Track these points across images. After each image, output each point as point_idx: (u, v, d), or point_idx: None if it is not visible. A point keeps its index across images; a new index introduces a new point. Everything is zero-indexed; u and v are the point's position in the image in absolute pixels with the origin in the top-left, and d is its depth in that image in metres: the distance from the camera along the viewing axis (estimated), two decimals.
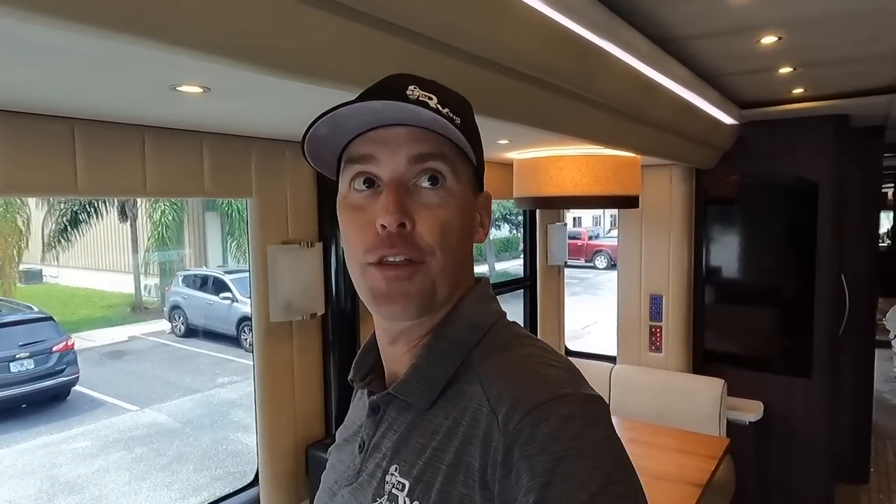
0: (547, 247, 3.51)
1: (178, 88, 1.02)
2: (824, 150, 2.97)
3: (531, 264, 3.59)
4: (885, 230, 9.86)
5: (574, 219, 22.17)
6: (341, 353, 2.04)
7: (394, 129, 0.63)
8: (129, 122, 1.38)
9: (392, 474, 0.65)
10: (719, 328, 3.41)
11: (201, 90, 1.04)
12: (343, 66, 0.96)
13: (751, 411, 3.11)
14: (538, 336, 1.14)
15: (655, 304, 3.30)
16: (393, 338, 0.69)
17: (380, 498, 0.64)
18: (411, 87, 0.64)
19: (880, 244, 9.56)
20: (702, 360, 3.37)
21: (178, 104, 1.16)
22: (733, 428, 3.04)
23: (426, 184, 0.63)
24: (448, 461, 0.61)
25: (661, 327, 3.30)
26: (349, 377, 0.76)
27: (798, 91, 2.66)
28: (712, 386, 3.00)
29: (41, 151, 1.25)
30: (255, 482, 1.93)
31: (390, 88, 0.64)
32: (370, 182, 0.64)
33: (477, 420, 0.60)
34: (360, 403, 0.77)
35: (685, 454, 2.47)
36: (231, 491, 1.93)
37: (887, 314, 6.38)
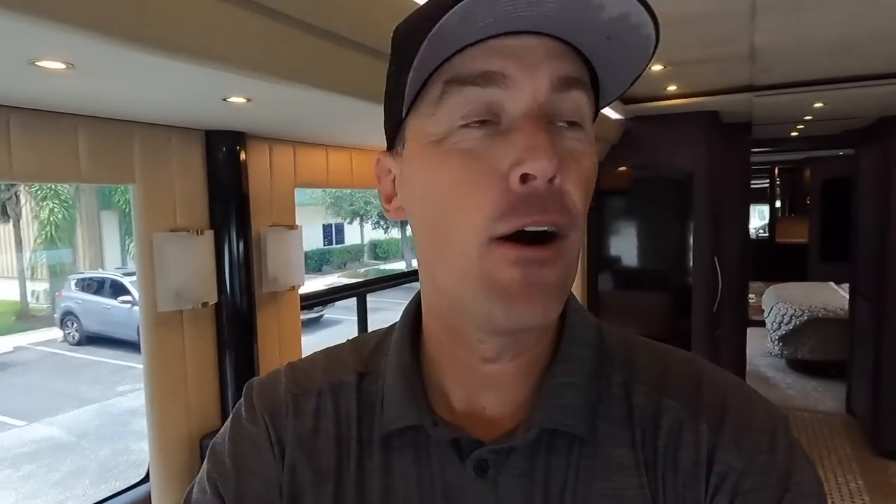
0: None
1: (37, 63, 0.99)
2: (698, 143, 3.26)
3: None
4: (763, 223, 10.85)
5: None
6: (238, 344, 2.02)
7: (525, 38, 0.42)
8: None
9: None
10: (614, 311, 3.65)
11: (65, 66, 1.01)
12: (210, 44, 0.98)
13: None
14: None
15: None
16: (498, 352, 0.47)
17: None
18: None
19: (760, 234, 10.50)
20: None
21: (42, 81, 1.12)
22: None
23: (565, 123, 0.44)
24: (662, 496, 0.45)
25: None
26: (413, 423, 0.47)
27: (672, 88, 2.90)
28: None
29: None
30: (146, 479, 1.87)
31: None
32: (482, 119, 0.43)
33: (681, 440, 0.46)
34: (380, 465, 0.49)
35: None
36: (118, 490, 1.87)
37: (763, 296, 7.04)
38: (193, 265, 1.83)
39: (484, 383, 0.48)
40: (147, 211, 1.77)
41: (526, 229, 0.42)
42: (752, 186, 8.94)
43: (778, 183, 10.24)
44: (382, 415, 0.49)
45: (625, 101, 3.10)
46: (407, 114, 0.45)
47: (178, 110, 1.50)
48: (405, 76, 0.41)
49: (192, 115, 1.62)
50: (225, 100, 1.30)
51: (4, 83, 1.17)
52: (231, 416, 0.54)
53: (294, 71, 1.16)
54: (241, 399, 0.54)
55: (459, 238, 0.43)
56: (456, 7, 0.36)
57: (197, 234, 1.86)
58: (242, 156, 2.01)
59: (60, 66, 1.02)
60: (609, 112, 3.02)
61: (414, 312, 0.53)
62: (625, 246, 3.68)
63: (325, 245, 24.34)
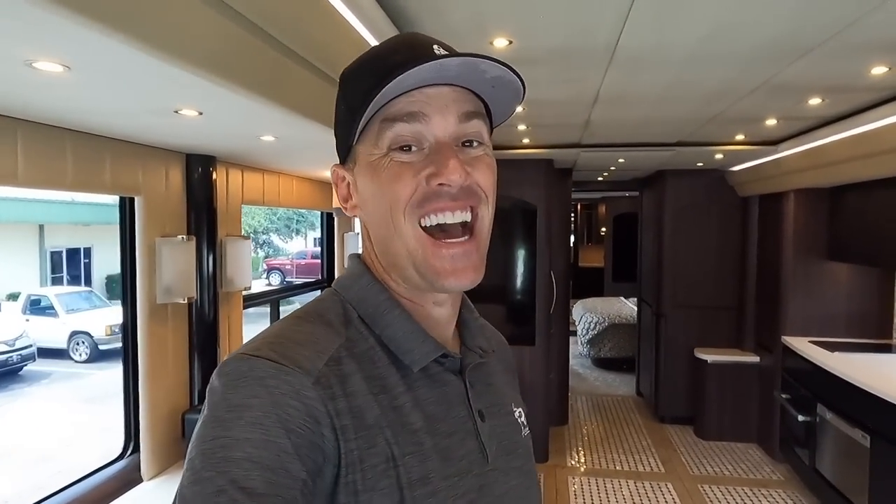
0: (344, 252, 4.13)
1: (35, 65, 1.06)
2: (539, 183, 4.23)
3: (328, 268, 4.15)
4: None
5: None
6: (205, 335, 2.36)
7: (437, 88, 0.60)
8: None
9: (517, 412, 0.75)
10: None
11: (62, 69, 1.09)
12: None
13: None
14: None
15: None
16: (441, 301, 0.66)
17: (523, 431, 0.74)
18: (435, 45, 0.61)
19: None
20: None
21: (60, 96, 1.30)
22: None
23: (470, 141, 0.62)
24: (515, 385, 0.81)
25: None
26: (438, 356, 0.63)
27: (526, 141, 3.81)
28: None
29: None
30: (130, 452, 2.13)
31: (418, 46, 0.60)
32: (407, 145, 0.60)
33: (503, 349, 0.83)
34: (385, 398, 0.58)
35: None
36: (104, 463, 2.10)
37: (573, 309, 8.48)
38: (181, 266, 2.20)
39: (434, 321, 0.66)
40: (149, 219, 2.11)
41: (447, 222, 0.60)
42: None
43: (579, 217, 12.20)
44: (406, 355, 0.61)
45: (493, 147, 3.94)
46: (355, 142, 0.63)
47: (160, 133, 1.84)
48: (357, 119, 0.60)
49: (173, 137, 1.96)
50: (176, 112, 1.50)
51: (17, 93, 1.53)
52: (255, 397, 0.50)
53: (245, 80, 1.29)
54: (256, 375, 0.51)
55: (397, 222, 0.60)
56: (397, 78, 0.55)
57: (184, 239, 2.22)
58: (214, 175, 2.39)
59: (59, 69, 1.09)
60: None
61: (373, 287, 0.65)
62: (501, 270, 4.51)
63: None
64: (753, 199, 4.78)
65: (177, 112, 1.49)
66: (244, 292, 2.74)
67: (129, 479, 2.08)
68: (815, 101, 2.58)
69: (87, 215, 16.61)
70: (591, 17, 1.64)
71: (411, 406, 0.59)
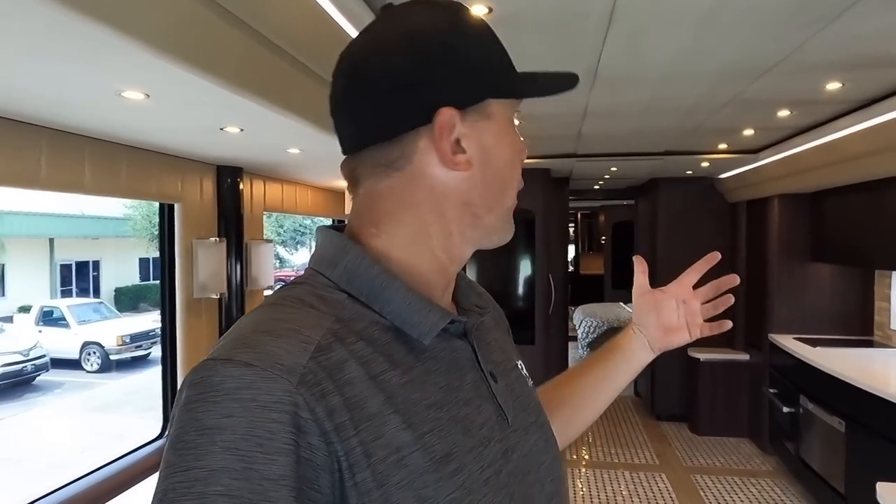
0: None
1: (122, 94, 1.31)
2: (537, 191, 4.49)
3: None
4: (570, 259, 13.01)
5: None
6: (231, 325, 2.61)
7: None
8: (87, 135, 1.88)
9: (519, 363, 0.74)
10: None
11: (143, 97, 1.33)
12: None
13: None
14: None
15: None
16: (458, 267, 0.65)
17: (529, 382, 0.73)
18: None
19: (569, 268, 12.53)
20: None
21: (121, 111, 1.51)
22: None
23: None
24: (509, 339, 0.80)
25: None
26: (452, 319, 0.59)
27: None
28: None
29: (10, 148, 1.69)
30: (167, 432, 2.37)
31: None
32: None
33: (493, 304, 0.82)
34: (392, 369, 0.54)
35: None
36: (144, 442, 2.34)
37: (573, 315, 8.71)
38: (213, 265, 2.45)
39: (443, 290, 0.63)
40: (187, 223, 2.36)
41: None
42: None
43: (579, 226, 12.47)
44: (414, 328, 0.56)
45: None
46: (495, 97, 0.60)
47: (200, 147, 2.12)
48: (526, 87, 0.62)
49: (210, 150, 2.23)
50: (222, 129, 1.76)
51: (93, 114, 1.79)
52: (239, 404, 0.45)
53: (283, 101, 1.54)
54: (227, 387, 0.46)
55: (503, 192, 0.62)
56: (552, 90, 0.63)
57: (216, 241, 2.48)
58: (241, 185, 2.66)
59: (140, 96, 1.35)
60: None
61: (363, 261, 0.57)
62: (483, 269, 4.75)
63: (141, 281, 22.32)
64: (741, 204, 5.03)
65: (222, 129, 1.76)
66: (266, 291, 3.00)
67: None
68: (784, 112, 2.84)
69: (95, 229, 16.97)
70: (571, 46, 1.91)
71: (423, 380, 0.55)
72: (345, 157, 0.63)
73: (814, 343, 4.01)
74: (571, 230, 12.48)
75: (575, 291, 10.86)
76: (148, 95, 1.35)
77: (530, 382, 0.74)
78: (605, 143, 3.72)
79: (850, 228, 3.78)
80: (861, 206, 3.63)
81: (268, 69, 1.46)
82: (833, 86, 2.33)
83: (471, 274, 4.65)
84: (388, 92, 0.57)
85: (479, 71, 0.59)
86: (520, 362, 0.74)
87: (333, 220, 4.45)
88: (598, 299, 9.67)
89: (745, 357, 4.90)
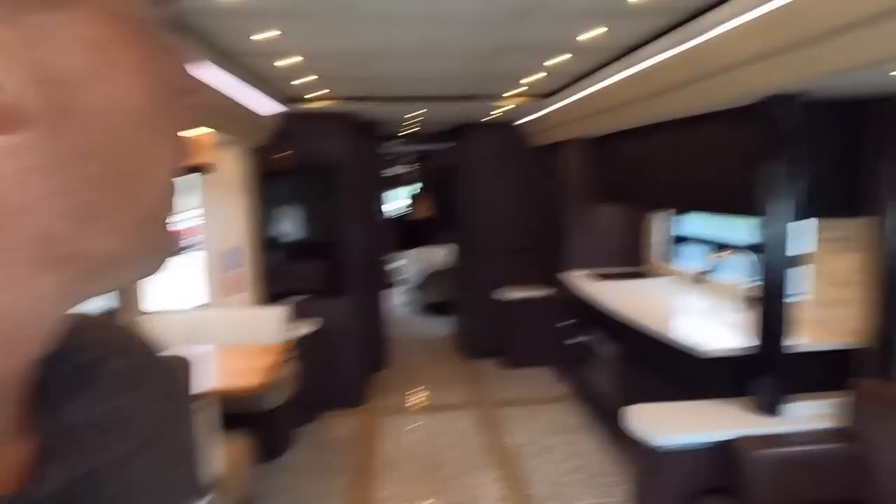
0: None
1: None
2: (341, 136, 4.27)
3: None
4: (408, 203, 13.02)
5: None
6: None
7: None
8: None
9: None
10: (284, 271, 4.44)
11: None
12: None
13: (308, 327, 4.24)
14: None
15: (236, 255, 4.09)
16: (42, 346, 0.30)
17: None
18: None
19: (405, 212, 12.54)
20: (272, 296, 4.36)
21: None
22: (302, 340, 4.12)
23: None
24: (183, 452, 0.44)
25: (241, 274, 4.11)
26: None
27: (324, 92, 3.81)
28: (278, 312, 4.00)
29: None
30: None
31: None
32: None
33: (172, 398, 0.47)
34: None
35: (263, 356, 3.35)
36: None
37: (402, 263, 8.77)
38: None
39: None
40: None
41: None
42: (402, 171, 10.81)
43: (417, 169, 12.45)
44: None
45: (288, 100, 3.88)
46: None
47: None
48: None
49: None
50: None
51: None
52: None
53: None
54: None
55: (147, 188, 0.31)
56: None
57: None
58: None
59: None
60: (275, 107, 3.77)
61: None
62: (291, 219, 4.48)
63: None
64: (541, 149, 5.28)
65: None
66: None
67: None
68: (563, 57, 2.90)
69: None
70: None
71: None
72: None
73: (600, 277, 4.39)
74: (409, 173, 12.47)
75: (410, 236, 10.98)
76: None
77: None
78: (403, 85, 3.59)
79: (626, 172, 4.11)
80: (634, 151, 3.94)
81: None
82: (598, 31, 2.39)
83: (232, 226, 4.37)
84: None
85: None
86: None
87: None
88: (431, 242, 9.85)
89: (547, 293, 5.25)
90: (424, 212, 11.50)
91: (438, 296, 7.46)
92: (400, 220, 11.47)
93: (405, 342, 6.33)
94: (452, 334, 6.52)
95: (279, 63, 2.85)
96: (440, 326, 6.95)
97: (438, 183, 9.43)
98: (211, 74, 2.75)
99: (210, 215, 4.06)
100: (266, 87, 3.35)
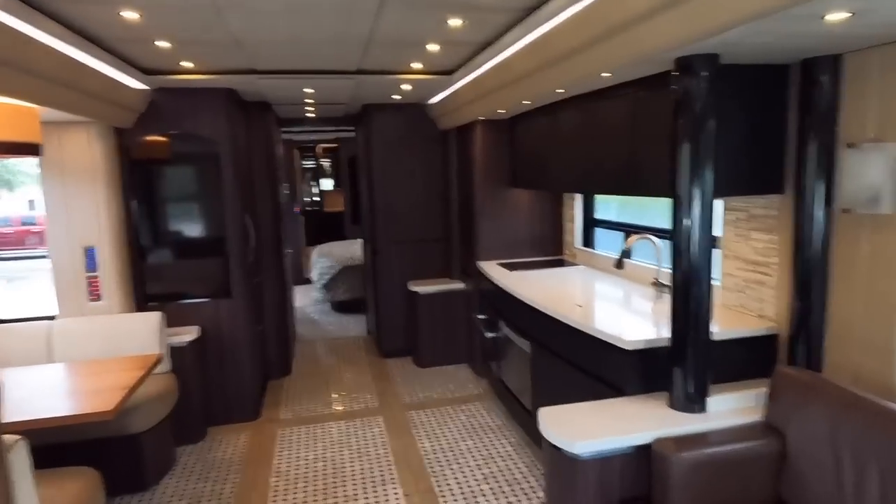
0: None
1: None
2: (220, 117, 3.74)
3: None
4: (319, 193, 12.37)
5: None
6: None
7: None
8: None
9: None
10: (159, 273, 3.86)
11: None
12: None
13: (189, 334, 3.70)
14: None
15: (90, 255, 3.48)
16: None
17: None
18: None
19: (315, 206, 11.91)
20: (144, 302, 3.77)
21: None
22: (176, 351, 3.58)
23: None
24: None
25: (97, 277, 3.50)
26: None
27: (188, 64, 3.27)
28: (151, 319, 3.45)
29: None
30: None
31: None
32: None
33: None
34: None
35: (124, 371, 2.82)
36: None
37: (311, 259, 8.22)
38: None
39: None
40: None
41: None
42: (317, 161, 10.22)
43: (327, 161, 11.84)
44: None
45: (147, 71, 3.31)
46: None
47: None
48: None
49: None
50: None
51: None
52: None
53: None
54: None
55: None
56: None
57: None
58: None
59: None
60: (125, 79, 3.19)
61: None
62: (160, 212, 3.87)
63: None
64: (452, 132, 4.95)
65: None
66: None
67: None
68: (455, 21, 2.56)
69: None
70: None
71: None
72: None
73: (513, 267, 4.12)
74: (317, 167, 11.84)
75: (320, 231, 10.40)
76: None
77: None
78: (280, 54, 3.12)
79: (536, 154, 3.85)
80: (543, 131, 3.69)
81: None
82: None
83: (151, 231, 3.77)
84: None
85: None
86: None
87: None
88: (342, 236, 9.37)
89: (460, 286, 4.95)
90: (336, 205, 10.96)
91: (350, 292, 7.01)
92: (312, 214, 10.88)
93: (313, 343, 5.86)
94: (364, 333, 6.12)
95: (123, 15, 2.32)
96: (351, 325, 6.51)
97: (352, 173, 8.94)
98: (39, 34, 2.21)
99: (54, 208, 3.43)
100: (104, 52, 2.79)
